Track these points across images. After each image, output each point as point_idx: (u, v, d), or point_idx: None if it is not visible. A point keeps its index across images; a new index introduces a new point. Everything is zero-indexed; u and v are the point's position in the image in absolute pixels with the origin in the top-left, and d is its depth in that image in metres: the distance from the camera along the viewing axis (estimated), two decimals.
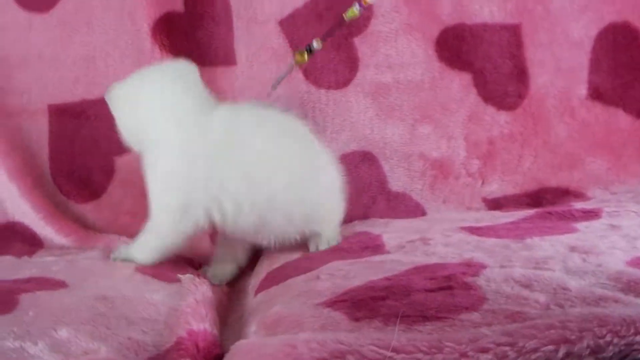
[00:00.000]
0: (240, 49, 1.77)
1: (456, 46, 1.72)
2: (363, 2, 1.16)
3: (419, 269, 1.02)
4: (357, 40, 1.73)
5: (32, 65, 1.79)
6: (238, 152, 1.30)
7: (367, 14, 1.73)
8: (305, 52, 1.11)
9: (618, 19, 1.73)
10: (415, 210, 1.66)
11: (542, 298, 0.80)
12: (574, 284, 0.83)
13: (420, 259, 1.10)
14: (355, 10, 1.12)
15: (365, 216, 1.65)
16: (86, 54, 1.78)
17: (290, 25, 1.75)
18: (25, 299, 1.12)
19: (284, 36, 1.75)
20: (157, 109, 1.35)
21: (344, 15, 1.08)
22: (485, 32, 1.72)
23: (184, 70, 1.39)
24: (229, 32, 1.77)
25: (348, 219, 1.65)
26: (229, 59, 1.78)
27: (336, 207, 1.41)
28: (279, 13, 1.75)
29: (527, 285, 0.85)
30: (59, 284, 1.23)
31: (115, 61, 1.78)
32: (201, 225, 1.32)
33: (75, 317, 1.02)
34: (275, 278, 1.17)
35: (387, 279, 0.99)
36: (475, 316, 0.77)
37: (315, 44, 1.13)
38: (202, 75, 1.75)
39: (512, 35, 1.72)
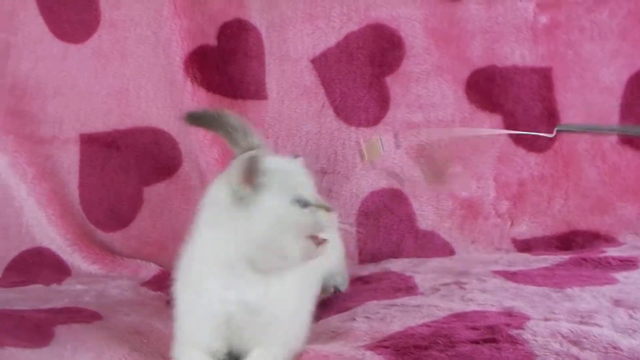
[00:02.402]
0: (272, 85, 1.79)
1: (487, 88, 1.74)
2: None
3: (459, 317, 1.01)
4: (388, 80, 1.75)
5: (65, 94, 1.83)
6: None
7: (399, 54, 1.76)
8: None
9: None
10: (444, 249, 1.66)
11: (594, 358, 0.79)
12: (625, 343, 0.83)
13: (457, 306, 1.09)
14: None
15: (393, 254, 1.66)
16: (119, 85, 1.82)
17: (322, 64, 1.77)
18: (60, 331, 1.12)
19: (315, 74, 1.77)
20: None
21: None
22: (516, 74, 1.74)
23: None
24: (260, 67, 1.80)
25: (376, 257, 1.66)
26: (260, 94, 1.80)
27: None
28: (311, 52, 1.78)
29: (576, 342, 0.84)
30: (93, 316, 1.24)
31: (148, 93, 1.81)
32: None
33: (113, 353, 1.02)
34: None
35: (427, 325, 0.99)
36: None
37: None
38: (234, 109, 1.79)
39: (543, 78, 1.74)
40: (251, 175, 0.89)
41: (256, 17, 1.80)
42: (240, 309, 0.91)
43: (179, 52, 1.75)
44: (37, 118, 1.82)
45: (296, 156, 1.06)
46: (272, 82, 1.79)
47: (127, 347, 1.06)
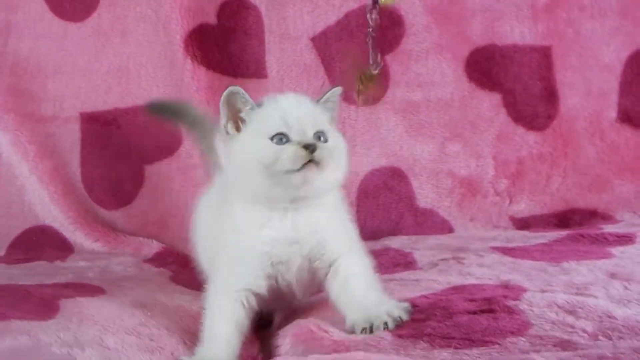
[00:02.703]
0: (272, 63, 1.80)
1: (486, 67, 1.75)
2: None
3: (457, 289, 1.03)
4: (388, 58, 1.75)
5: (66, 73, 1.83)
6: None
7: (399, 32, 1.76)
8: None
9: None
10: (443, 227, 1.68)
11: (589, 327, 0.81)
12: (619, 312, 0.85)
13: (455, 279, 1.11)
14: None
15: (393, 232, 1.67)
16: (119, 64, 1.82)
17: (322, 42, 1.77)
18: (66, 304, 1.13)
19: (315, 52, 1.78)
20: None
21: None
22: (516, 53, 1.74)
23: None
24: (260, 46, 1.80)
25: (376, 234, 1.67)
26: (260, 72, 1.80)
27: None
28: (311, 30, 1.78)
29: (572, 312, 0.86)
30: (97, 290, 1.26)
31: (148, 71, 1.81)
32: None
33: (119, 326, 1.03)
34: None
35: (425, 297, 1.00)
36: (522, 342, 0.79)
37: None
38: None
39: (543, 57, 1.74)
40: (234, 113, 0.96)
41: None
42: (276, 244, 0.96)
43: (179, 30, 1.76)
44: (38, 96, 1.83)
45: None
46: (272, 60, 1.79)
47: (132, 319, 1.07)
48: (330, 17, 1.77)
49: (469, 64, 1.75)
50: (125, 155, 1.80)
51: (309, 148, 0.91)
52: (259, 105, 0.97)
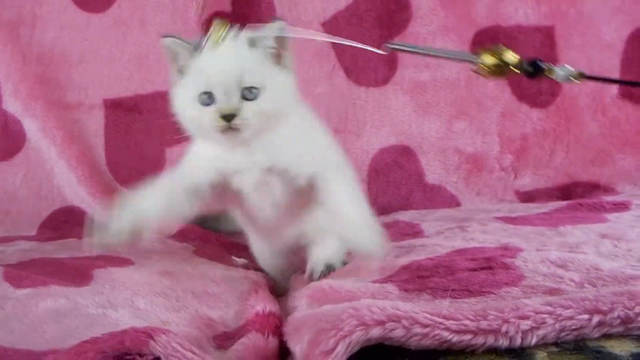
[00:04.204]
0: None
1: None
2: None
3: (460, 252, 1.11)
4: (396, 41, 1.82)
5: (89, 62, 1.91)
6: None
7: (406, 15, 1.82)
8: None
9: None
10: (450, 202, 1.75)
11: (576, 277, 0.88)
12: (606, 265, 0.92)
13: (459, 244, 1.19)
14: None
15: (402, 207, 1.75)
16: (139, 52, 1.90)
17: (333, 27, 1.84)
18: (98, 273, 1.23)
19: None
20: None
21: None
22: (520, 33, 1.80)
23: None
24: None
25: (386, 210, 1.75)
26: None
27: None
28: (322, 15, 1.85)
29: (562, 266, 0.94)
30: (126, 262, 1.34)
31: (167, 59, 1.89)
32: None
33: (148, 291, 1.12)
34: None
35: (430, 259, 1.08)
36: (515, 291, 0.87)
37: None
38: None
39: (546, 36, 1.80)
40: (175, 59, 1.03)
41: None
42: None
43: (195, 18, 1.83)
44: (64, 85, 1.91)
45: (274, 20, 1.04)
46: None
47: (160, 285, 1.16)
48: (339, 2, 1.84)
49: (475, 44, 1.81)
50: (147, 138, 1.89)
51: (226, 118, 0.97)
52: (197, 48, 0.99)
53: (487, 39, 1.81)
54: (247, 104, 0.97)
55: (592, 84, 1.79)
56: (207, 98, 0.98)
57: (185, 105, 1.01)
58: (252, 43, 1.02)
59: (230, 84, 0.97)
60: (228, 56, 1.00)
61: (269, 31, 1.02)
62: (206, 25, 1.03)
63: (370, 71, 1.83)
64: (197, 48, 1.00)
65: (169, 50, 1.03)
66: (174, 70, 1.03)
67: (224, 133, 0.98)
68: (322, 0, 1.85)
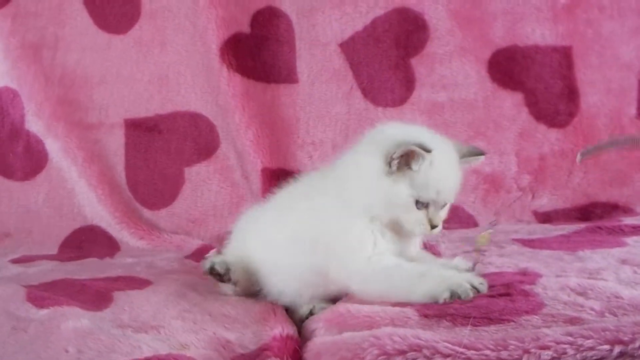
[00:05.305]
0: (302, 69, 1.89)
1: (508, 67, 1.81)
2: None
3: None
4: (413, 61, 1.84)
5: (110, 82, 1.96)
6: None
7: (424, 36, 1.84)
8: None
9: None
10: (468, 222, 1.75)
11: (597, 305, 0.88)
12: (626, 293, 0.91)
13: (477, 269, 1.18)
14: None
15: None
16: (160, 73, 1.94)
17: (350, 48, 1.86)
18: (118, 296, 1.25)
19: (344, 57, 1.87)
20: None
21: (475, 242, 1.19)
22: (537, 54, 1.80)
23: None
24: (291, 53, 1.90)
25: None
26: (291, 77, 1.90)
27: None
28: (340, 36, 1.87)
29: (582, 293, 0.93)
30: (145, 282, 1.37)
31: (187, 79, 1.93)
32: None
33: (165, 314, 1.13)
34: None
35: None
36: (535, 319, 0.86)
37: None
38: (267, 93, 1.90)
39: (563, 57, 1.80)
40: (401, 162, 1.04)
41: (286, 4, 1.90)
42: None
43: (214, 40, 1.86)
44: (85, 105, 1.95)
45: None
46: (303, 66, 1.89)
47: (178, 307, 1.17)
48: (357, 23, 1.86)
49: (492, 65, 1.82)
50: (166, 158, 1.92)
51: (434, 227, 1.07)
52: (430, 152, 1.03)
53: (504, 59, 1.82)
54: (441, 211, 1.09)
55: (610, 104, 1.79)
56: (422, 204, 1.06)
57: (397, 200, 1.05)
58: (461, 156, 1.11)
59: (448, 197, 1.09)
60: (454, 168, 1.09)
61: (474, 159, 1.13)
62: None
63: (387, 92, 1.84)
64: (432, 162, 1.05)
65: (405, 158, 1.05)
66: (395, 161, 1.05)
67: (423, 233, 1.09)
68: (339, 22, 1.87)
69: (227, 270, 1.22)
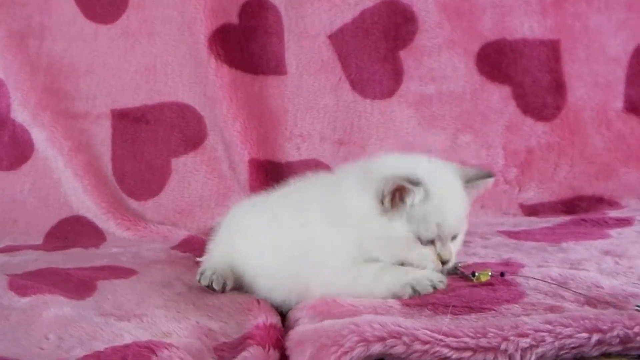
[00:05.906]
0: (291, 60, 1.88)
1: (496, 60, 1.82)
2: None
3: (462, 268, 1.10)
4: (402, 54, 1.83)
5: (97, 72, 1.93)
6: None
7: (412, 28, 1.84)
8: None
9: None
10: None
11: (577, 295, 0.88)
12: (607, 282, 0.92)
13: (461, 259, 1.18)
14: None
15: None
16: (147, 63, 1.92)
17: (339, 40, 1.86)
18: (102, 285, 1.25)
19: (332, 49, 1.86)
20: None
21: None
22: (525, 47, 1.81)
23: None
24: (280, 44, 1.89)
25: None
26: (279, 69, 1.89)
27: None
28: (329, 28, 1.86)
29: (564, 283, 0.94)
30: (130, 272, 1.36)
31: (174, 70, 1.91)
32: None
33: (149, 303, 1.13)
34: None
35: None
36: (515, 308, 0.87)
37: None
38: (255, 84, 1.89)
39: (551, 50, 1.80)
40: (395, 198, 0.97)
41: None
42: None
43: (203, 30, 1.85)
44: (71, 95, 1.93)
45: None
46: (291, 57, 1.88)
47: (163, 296, 1.17)
48: (346, 15, 1.85)
49: (480, 58, 1.82)
50: (153, 149, 1.90)
51: (443, 265, 0.99)
52: (419, 185, 0.95)
53: (492, 52, 1.82)
54: (452, 245, 1.01)
55: (597, 98, 1.80)
56: (426, 240, 0.99)
57: (398, 239, 0.98)
58: (465, 181, 1.04)
59: (453, 231, 1.01)
60: (456, 206, 1.01)
61: (483, 182, 1.05)
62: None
63: (375, 84, 1.84)
64: (427, 195, 0.97)
65: (397, 194, 0.97)
66: (387, 198, 0.98)
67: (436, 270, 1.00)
68: (328, 13, 1.86)
69: (224, 285, 1.19)
